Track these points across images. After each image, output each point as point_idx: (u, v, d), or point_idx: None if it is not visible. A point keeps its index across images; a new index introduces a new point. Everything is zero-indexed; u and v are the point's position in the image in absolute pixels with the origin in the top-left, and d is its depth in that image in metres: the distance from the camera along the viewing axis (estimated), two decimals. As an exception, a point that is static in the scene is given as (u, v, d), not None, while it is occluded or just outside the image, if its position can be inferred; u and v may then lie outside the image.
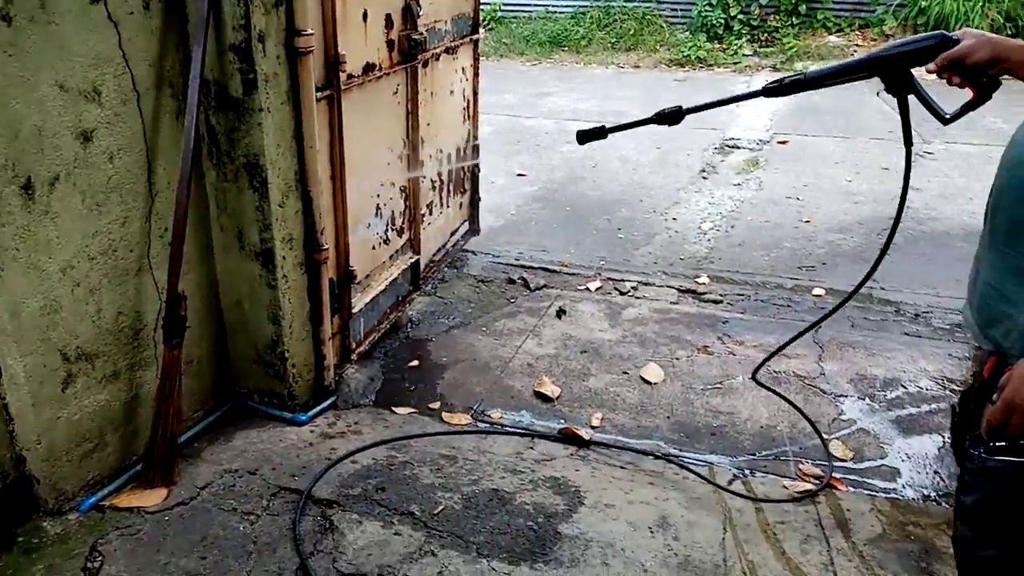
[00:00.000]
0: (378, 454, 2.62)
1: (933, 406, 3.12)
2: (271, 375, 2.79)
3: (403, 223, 3.45)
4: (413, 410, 2.98)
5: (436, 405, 3.02)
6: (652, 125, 1.94)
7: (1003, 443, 1.43)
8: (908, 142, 1.78)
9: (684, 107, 1.90)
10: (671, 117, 1.90)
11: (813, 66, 7.28)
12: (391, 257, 3.41)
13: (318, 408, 2.87)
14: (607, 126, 2.04)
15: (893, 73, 1.66)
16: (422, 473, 2.55)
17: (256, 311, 2.69)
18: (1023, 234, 1.45)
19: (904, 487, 2.65)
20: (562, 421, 2.94)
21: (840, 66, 1.72)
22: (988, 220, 1.56)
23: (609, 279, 4.15)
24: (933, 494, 2.63)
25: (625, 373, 3.29)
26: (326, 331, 2.85)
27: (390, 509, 2.37)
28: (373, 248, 3.22)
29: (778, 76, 2.19)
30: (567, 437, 2.80)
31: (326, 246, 2.75)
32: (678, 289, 4.07)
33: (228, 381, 2.85)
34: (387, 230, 3.31)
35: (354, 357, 3.11)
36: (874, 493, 2.60)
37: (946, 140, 6.26)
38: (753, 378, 2.70)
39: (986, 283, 1.53)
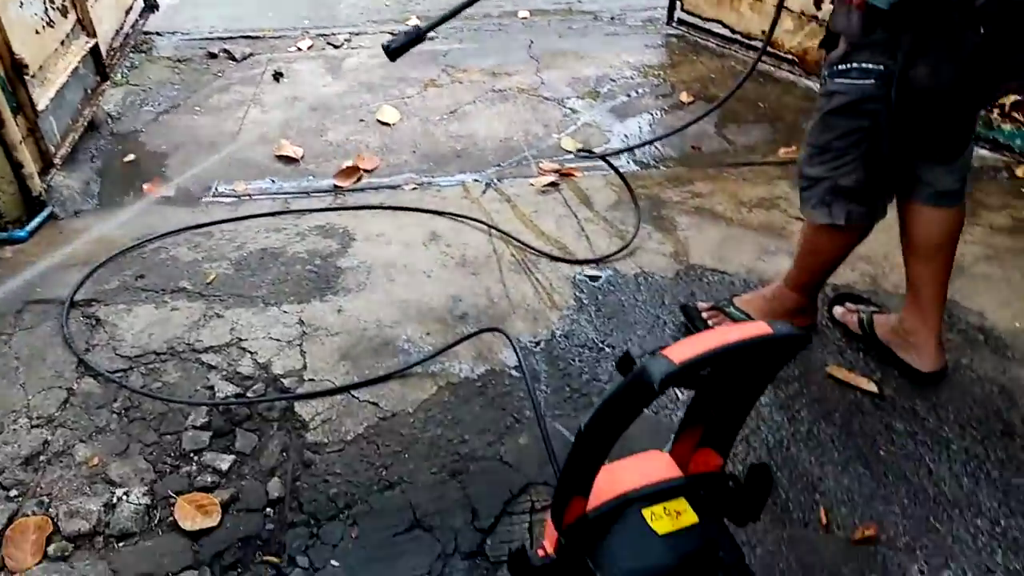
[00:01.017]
0: (125, 249, 2.48)
1: (639, 91, 3.54)
2: (-36, 195, 2.45)
3: (64, 1, 3.01)
4: (146, 203, 2.80)
5: (171, 192, 2.86)
6: None
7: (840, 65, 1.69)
8: None
9: None
10: None
11: None
12: (63, 43, 3.00)
13: (36, 222, 2.60)
14: None
15: None
16: (180, 254, 2.48)
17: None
18: None
19: (628, 162, 3.06)
20: (311, 178, 2.95)
21: None
22: None
23: (319, 36, 4.01)
24: (652, 162, 3.08)
25: (362, 120, 3.32)
26: (12, 134, 2.51)
27: (158, 291, 2.31)
28: (38, 32, 2.79)
29: None
30: (322, 190, 2.84)
31: (-22, 29, 2.34)
32: (392, 34, 4.03)
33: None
34: (47, 10, 2.87)
35: (57, 162, 2.80)
36: (605, 172, 2.98)
37: None
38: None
39: None
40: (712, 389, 1.12)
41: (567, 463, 1.06)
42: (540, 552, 1.15)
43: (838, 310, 2.16)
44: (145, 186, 2.88)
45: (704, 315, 2.14)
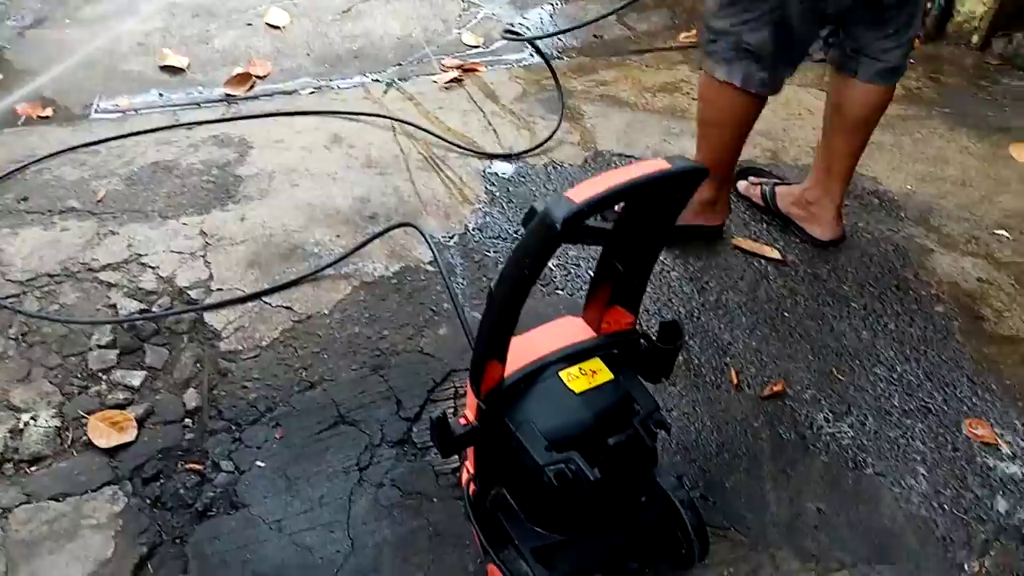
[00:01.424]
0: (3, 174, 2.31)
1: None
2: None
3: None
4: (22, 125, 2.60)
5: (47, 113, 2.66)
6: None
7: None
8: None
9: None
10: None
11: None
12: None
13: None
14: None
15: None
16: (65, 173, 2.33)
17: None
18: None
19: (531, 55, 3.01)
20: (201, 88, 2.79)
21: None
22: None
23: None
24: (555, 53, 3.03)
25: (249, 24, 3.14)
26: None
27: (44, 213, 2.17)
28: None
29: None
30: (213, 100, 2.69)
31: None
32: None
33: None
34: None
35: (-88, 82, 2.56)
36: (508, 65, 2.93)
37: None
38: None
39: None
40: (616, 242, 1.14)
41: (481, 327, 1.07)
42: (461, 420, 1.16)
43: (741, 184, 2.21)
44: (18, 108, 2.67)
45: None
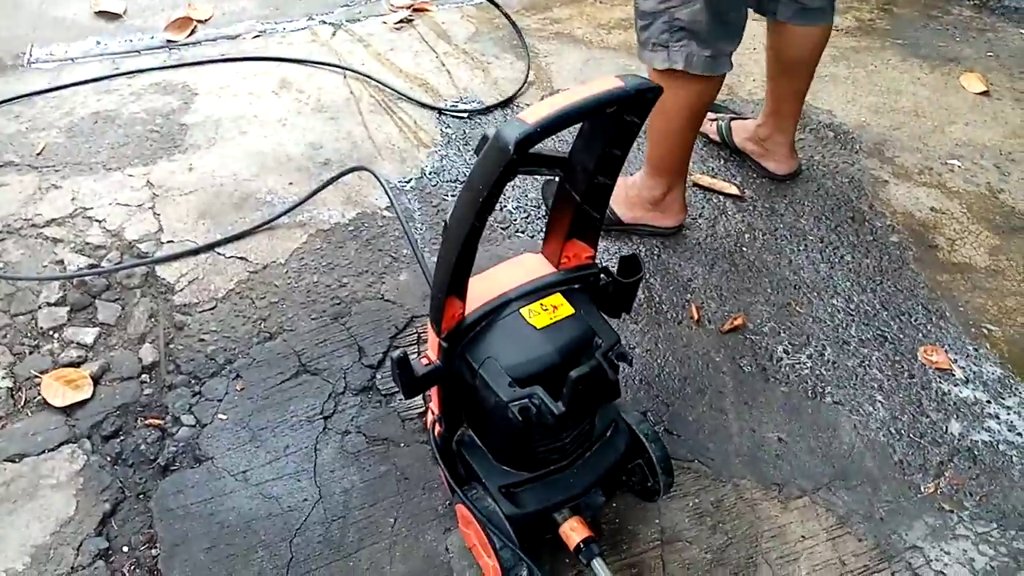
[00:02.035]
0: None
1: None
2: None
3: None
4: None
5: (-25, 63, 2.53)
6: None
7: None
8: None
9: None
10: None
11: None
12: None
13: None
14: None
15: None
16: (0, 126, 2.22)
17: None
18: None
19: (484, -7, 2.92)
20: (140, 34, 2.67)
21: None
22: None
23: None
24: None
25: (188, -35, 2.99)
26: None
27: (-21, 167, 2.08)
28: None
29: None
30: (154, 47, 2.57)
31: None
32: None
33: None
34: None
35: None
36: (459, 4, 2.85)
37: None
38: None
39: None
40: (571, 170, 1.12)
41: (439, 262, 1.05)
42: (423, 360, 1.15)
43: (699, 120, 2.19)
44: (-59, 58, 2.53)
45: None
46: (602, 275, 1.24)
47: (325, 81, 2.42)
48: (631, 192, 1.87)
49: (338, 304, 1.77)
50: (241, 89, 2.37)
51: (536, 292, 1.17)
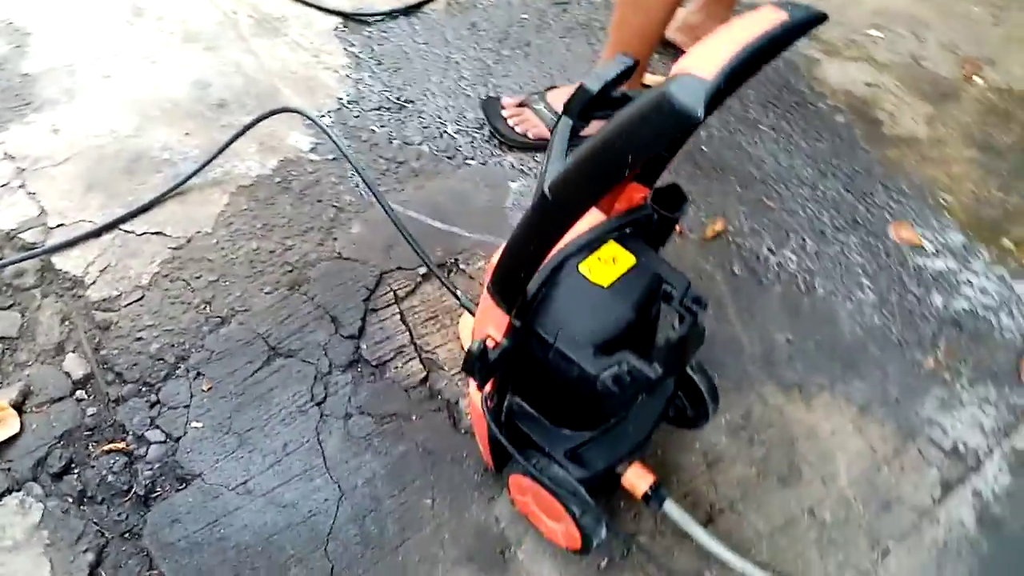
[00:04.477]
0: None
1: None
2: None
3: None
4: None
5: None
6: None
7: None
8: None
9: None
10: None
11: None
12: None
13: None
14: None
15: None
16: None
17: None
18: None
19: None
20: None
21: None
22: None
23: None
24: None
25: None
26: None
27: None
28: None
29: None
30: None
31: None
32: None
33: None
34: None
35: None
36: None
37: None
38: None
39: None
40: None
41: (525, 235, 0.91)
42: (491, 344, 1.02)
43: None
44: None
45: (505, 112, 1.82)
46: (652, 213, 1.14)
47: (187, 2, 2.07)
48: None
49: (291, 271, 1.56)
50: (85, 22, 1.98)
51: (589, 245, 1.06)
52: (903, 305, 1.62)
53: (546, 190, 0.84)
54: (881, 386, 1.51)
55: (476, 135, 1.84)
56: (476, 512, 1.30)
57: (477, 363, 0.98)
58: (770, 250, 1.68)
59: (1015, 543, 1.34)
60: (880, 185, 1.82)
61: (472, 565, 1.24)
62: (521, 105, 1.81)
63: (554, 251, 1.05)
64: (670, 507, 1.21)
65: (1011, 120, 2.00)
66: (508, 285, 0.97)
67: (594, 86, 0.89)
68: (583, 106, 0.90)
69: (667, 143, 0.76)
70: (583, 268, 1.06)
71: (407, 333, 1.50)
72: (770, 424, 1.44)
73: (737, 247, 1.68)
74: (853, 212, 1.76)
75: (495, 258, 1.00)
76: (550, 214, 0.86)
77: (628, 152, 0.74)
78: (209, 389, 1.40)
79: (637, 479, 1.21)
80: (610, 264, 1.07)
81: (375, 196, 1.55)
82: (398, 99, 1.88)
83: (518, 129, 1.79)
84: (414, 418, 1.40)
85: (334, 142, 1.58)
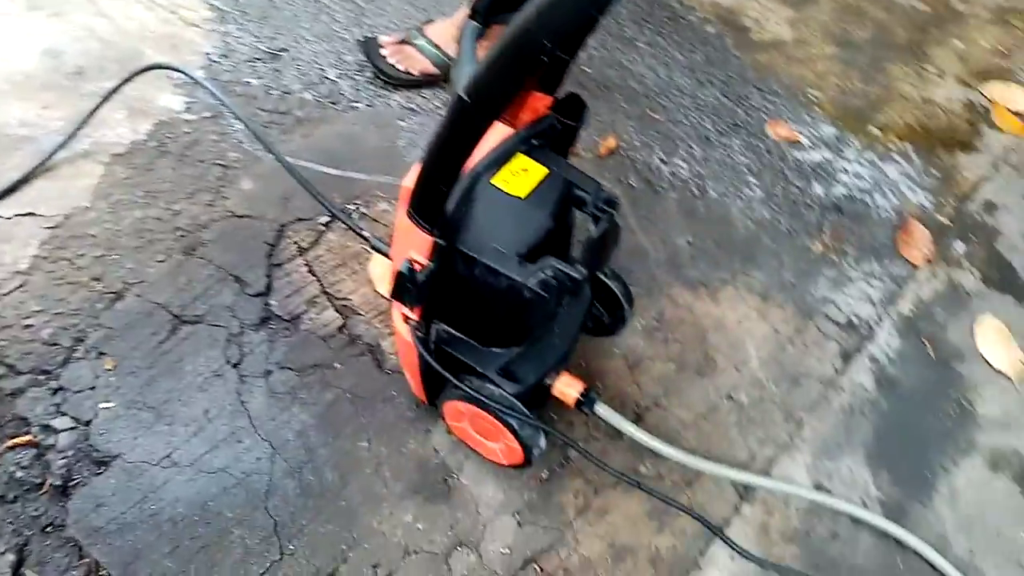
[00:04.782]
0: None
1: None
2: None
3: None
4: None
5: None
6: None
7: None
8: None
9: None
10: None
11: None
12: None
13: None
14: None
15: None
16: None
17: None
18: None
19: None
20: None
21: None
22: None
23: None
24: None
25: None
26: None
27: None
28: None
29: None
30: None
31: None
32: None
33: None
34: None
35: None
36: None
37: None
38: None
39: None
40: None
41: (440, 146, 0.90)
42: (416, 267, 1.02)
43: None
44: None
45: (385, 52, 1.78)
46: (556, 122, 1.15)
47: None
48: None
49: (183, 236, 1.50)
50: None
51: (499, 160, 1.07)
52: (788, 197, 1.71)
53: (462, 94, 0.83)
54: (777, 273, 1.59)
55: (358, 77, 1.79)
56: (414, 446, 1.30)
57: (408, 284, 0.97)
58: (662, 160, 1.73)
59: (910, 397, 1.46)
60: (754, 88, 1.90)
61: (417, 497, 1.25)
62: (401, 43, 1.78)
63: (465, 169, 1.05)
64: (602, 409, 1.25)
65: (864, 16, 2.12)
66: (429, 202, 0.97)
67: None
68: (488, 5, 0.90)
69: (584, 19, 0.76)
70: (497, 182, 1.06)
71: (317, 283, 1.47)
72: (682, 321, 1.50)
73: (631, 161, 1.72)
74: (733, 116, 1.84)
75: (408, 181, 1.00)
76: (469, 117, 0.85)
77: (545, 35, 0.74)
78: (114, 367, 1.33)
79: (567, 388, 1.24)
80: (523, 175, 1.08)
81: (265, 147, 1.49)
82: (270, 49, 1.81)
83: (401, 67, 1.76)
84: (337, 366, 1.38)
85: (214, 95, 1.50)
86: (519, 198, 1.05)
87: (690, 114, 1.83)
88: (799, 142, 1.81)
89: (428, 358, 1.14)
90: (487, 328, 1.17)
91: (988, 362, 1.52)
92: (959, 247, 1.69)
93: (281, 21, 1.88)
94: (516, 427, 1.16)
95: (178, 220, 1.51)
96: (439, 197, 0.94)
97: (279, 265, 1.48)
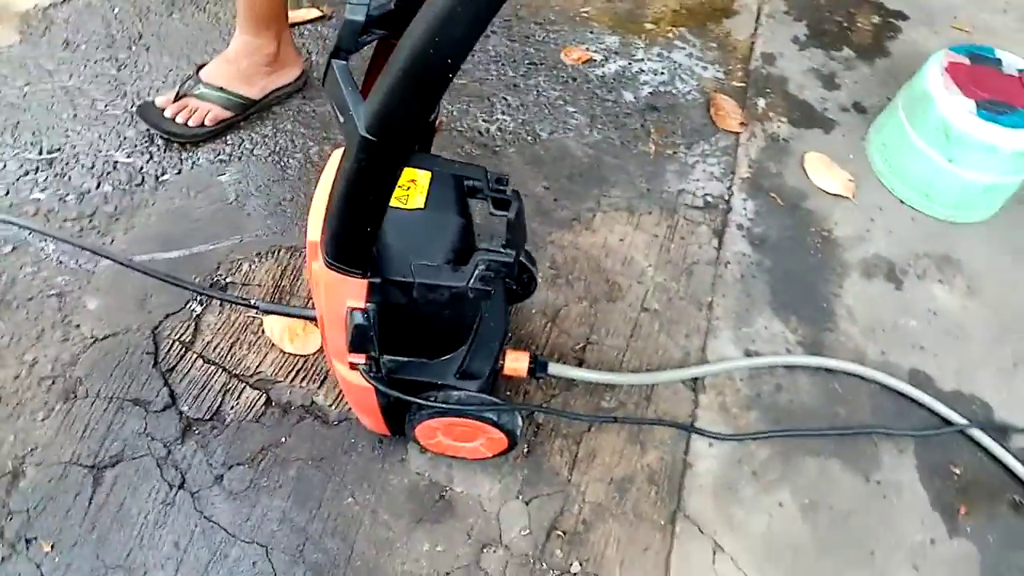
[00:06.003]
0: None
1: None
2: None
3: None
4: None
5: None
6: None
7: None
8: None
9: None
10: None
11: None
12: None
13: None
14: None
15: None
16: None
17: None
18: None
19: None
20: None
21: None
22: None
23: None
24: None
25: None
26: None
27: None
28: None
29: None
30: None
31: None
32: None
33: None
34: None
35: None
36: None
37: None
38: None
39: None
40: (401, 20, 1.00)
41: (357, 191, 0.89)
42: (361, 311, 1.02)
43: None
44: None
45: (168, 112, 1.67)
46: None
47: None
48: (243, 65, 1.69)
49: (53, 383, 1.37)
50: None
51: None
52: (608, 113, 1.83)
53: (366, 135, 0.83)
54: (631, 185, 1.72)
55: (151, 150, 1.68)
56: (397, 480, 1.31)
57: (371, 331, 0.98)
58: (485, 121, 1.79)
59: (781, 246, 1.65)
60: (534, 24, 1.99)
61: (424, 524, 1.27)
62: (181, 97, 1.68)
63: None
64: (553, 367, 1.33)
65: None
66: (355, 247, 0.96)
67: (359, 15, 0.88)
68: (355, 38, 0.89)
69: (482, 27, 0.77)
70: (393, 203, 1.07)
71: (220, 370, 1.40)
72: (574, 260, 1.59)
73: (459, 132, 1.76)
74: (527, 56, 1.92)
75: (313, 235, 0.98)
76: (380, 155, 0.85)
77: (448, 54, 0.75)
78: (52, 548, 1.22)
79: (516, 363, 1.29)
80: (413, 187, 1.10)
81: (95, 253, 1.38)
82: (40, 155, 1.65)
83: (191, 123, 1.67)
84: (284, 440, 1.34)
85: (11, 222, 1.36)
86: (421, 209, 1.07)
87: (490, 68, 1.89)
88: (593, 60, 1.92)
89: (394, 393, 1.14)
90: (432, 342, 1.19)
91: (825, 191, 1.74)
92: (761, 103, 1.90)
93: (36, 122, 1.71)
94: (495, 419, 1.20)
95: (38, 370, 1.38)
96: (366, 240, 0.94)
97: (171, 369, 1.40)
